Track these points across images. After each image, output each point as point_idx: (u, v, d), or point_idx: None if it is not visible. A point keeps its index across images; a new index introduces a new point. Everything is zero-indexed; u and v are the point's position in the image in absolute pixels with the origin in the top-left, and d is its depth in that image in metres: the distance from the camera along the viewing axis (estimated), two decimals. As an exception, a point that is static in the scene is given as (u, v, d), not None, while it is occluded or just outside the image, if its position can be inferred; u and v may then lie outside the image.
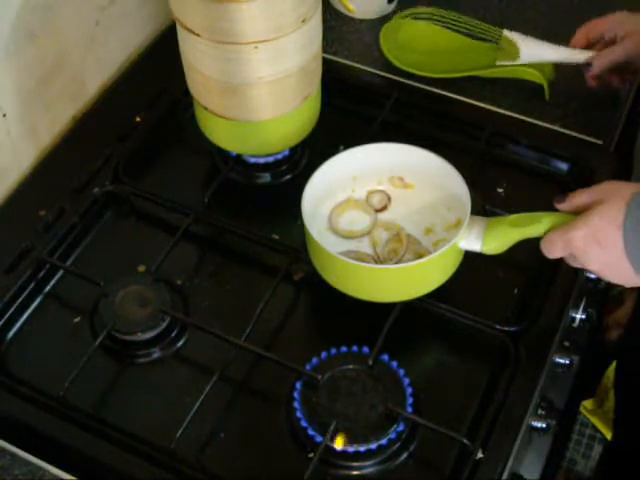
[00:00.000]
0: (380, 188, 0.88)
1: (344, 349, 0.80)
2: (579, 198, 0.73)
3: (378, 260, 0.83)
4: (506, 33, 1.01)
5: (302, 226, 0.89)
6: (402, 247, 0.83)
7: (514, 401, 0.78)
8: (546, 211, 0.76)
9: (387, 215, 0.87)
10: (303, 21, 0.80)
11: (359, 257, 0.83)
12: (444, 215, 0.85)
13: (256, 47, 0.79)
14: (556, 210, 0.75)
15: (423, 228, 0.85)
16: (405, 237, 0.84)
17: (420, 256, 0.82)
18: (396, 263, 0.82)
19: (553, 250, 0.73)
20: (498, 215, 0.81)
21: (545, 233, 0.74)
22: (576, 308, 0.86)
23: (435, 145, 0.87)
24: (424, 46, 1.07)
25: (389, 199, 0.87)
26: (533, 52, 0.99)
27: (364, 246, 0.85)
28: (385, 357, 0.79)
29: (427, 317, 0.84)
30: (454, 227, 0.83)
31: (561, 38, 1.00)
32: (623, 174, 0.97)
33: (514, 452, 0.75)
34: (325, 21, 0.89)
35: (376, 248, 0.84)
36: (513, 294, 0.87)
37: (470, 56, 1.06)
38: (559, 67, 1.01)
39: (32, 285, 0.86)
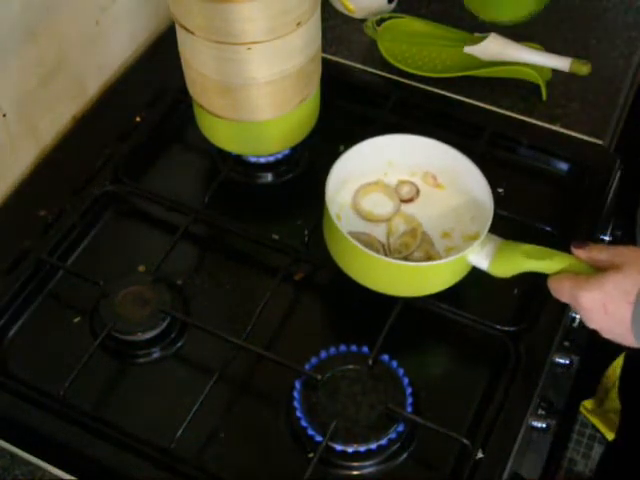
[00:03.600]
0: (412, 180, 0.88)
1: (344, 349, 0.80)
2: (598, 253, 0.72)
3: (387, 249, 0.83)
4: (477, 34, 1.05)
5: (302, 226, 0.89)
6: (414, 243, 0.83)
7: (514, 401, 0.78)
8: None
9: (411, 208, 0.86)
10: (298, 24, 0.80)
11: (370, 241, 0.83)
12: (465, 224, 0.85)
13: (249, 48, 0.79)
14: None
15: (441, 231, 0.85)
16: (420, 235, 0.84)
17: (430, 257, 0.82)
18: (404, 258, 0.82)
19: (559, 295, 0.73)
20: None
21: (555, 272, 0.74)
22: (576, 308, 0.86)
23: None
24: (421, 42, 1.07)
25: (417, 193, 0.87)
26: (497, 47, 1.02)
27: (379, 232, 0.84)
28: (385, 357, 0.79)
29: (427, 317, 0.84)
30: (472, 238, 0.83)
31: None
32: (623, 174, 0.97)
33: (514, 452, 0.75)
34: (325, 21, 0.90)
35: (389, 237, 0.84)
36: (513, 294, 0.87)
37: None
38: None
39: (32, 285, 0.86)
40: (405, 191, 0.87)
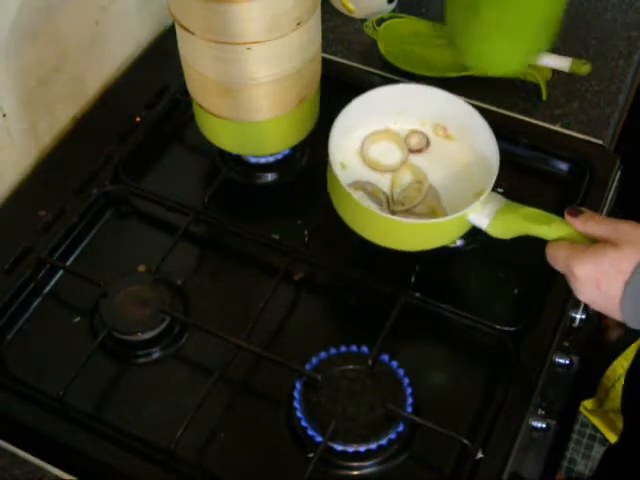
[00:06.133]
0: (422, 130, 0.87)
1: (344, 349, 0.80)
2: (595, 225, 0.70)
3: (390, 201, 0.83)
4: None
5: (302, 226, 0.89)
6: (419, 197, 0.82)
7: (514, 401, 0.78)
8: (549, 211, 0.76)
9: (418, 159, 0.86)
10: (298, 24, 0.80)
11: (374, 192, 0.82)
12: (473, 179, 0.84)
13: (249, 48, 0.79)
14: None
15: (448, 184, 0.84)
16: (426, 188, 0.83)
17: (433, 211, 0.81)
18: (407, 210, 0.81)
19: (553, 262, 0.72)
20: None
21: (553, 239, 0.73)
22: (576, 308, 0.86)
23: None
24: (421, 42, 1.07)
25: (427, 144, 0.87)
26: None
27: (383, 183, 0.84)
28: (385, 357, 0.79)
29: (427, 317, 0.84)
30: (478, 195, 0.81)
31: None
32: (623, 174, 0.97)
33: (514, 452, 0.75)
34: (325, 21, 0.89)
35: (393, 189, 0.83)
36: (513, 294, 0.87)
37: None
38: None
39: (32, 285, 0.86)
40: (415, 141, 0.86)
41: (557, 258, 0.71)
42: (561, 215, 0.74)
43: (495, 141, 0.81)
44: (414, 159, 0.86)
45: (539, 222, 0.75)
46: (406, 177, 0.84)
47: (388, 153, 0.86)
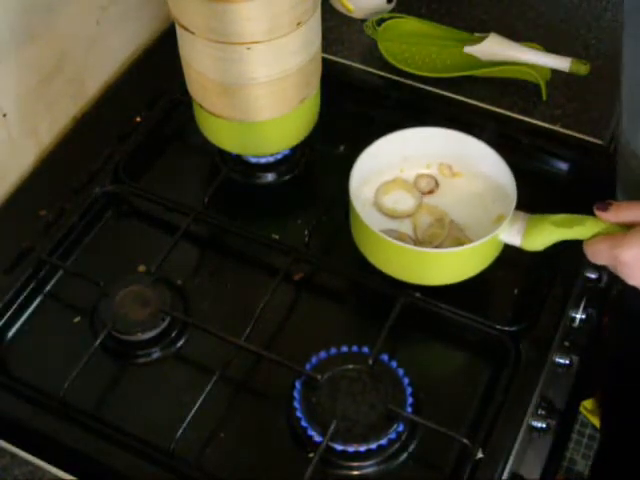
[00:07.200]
0: (429, 172, 0.89)
1: (344, 349, 0.80)
2: (627, 212, 0.71)
3: (417, 242, 0.84)
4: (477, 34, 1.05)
5: (302, 226, 0.89)
6: (443, 233, 0.84)
7: (514, 401, 0.78)
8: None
9: (433, 200, 0.88)
10: (298, 24, 0.80)
11: (399, 237, 0.84)
12: (488, 207, 0.86)
13: (249, 48, 0.79)
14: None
15: (467, 217, 0.86)
16: (448, 224, 0.85)
17: (460, 244, 0.82)
18: (436, 247, 0.83)
19: (598, 258, 0.72)
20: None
21: (589, 237, 0.73)
22: (576, 308, 0.86)
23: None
24: (421, 42, 1.07)
25: (437, 184, 0.89)
26: (497, 47, 1.02)
27: (405, 227, 0.86)
28: (385, 357, 0.79)
29: (427, 317, 0.84)
30: (496, 221, 0.84)
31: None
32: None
33: (514, 452, 0.75)
34: (325, 21, 0.89)
35: (417, 230, 0.85)
36: (513, 294, 0.87)
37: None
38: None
39: (32, 285, 0.86)
40: (424, 184, 0.89)
41: (599, 252, 0.71)
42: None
43: (504, 162, 0.83)
44: (428, 200, 0.88)
45: (571, 225, 0.75)
46: (425, 218, 0.87)
47: (402, 200, 0.88)
